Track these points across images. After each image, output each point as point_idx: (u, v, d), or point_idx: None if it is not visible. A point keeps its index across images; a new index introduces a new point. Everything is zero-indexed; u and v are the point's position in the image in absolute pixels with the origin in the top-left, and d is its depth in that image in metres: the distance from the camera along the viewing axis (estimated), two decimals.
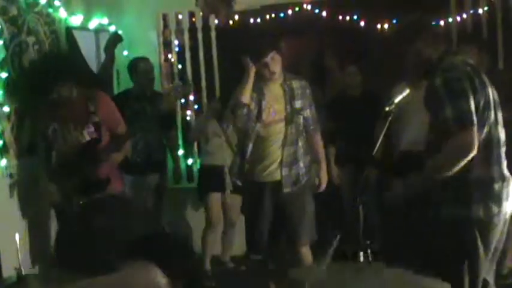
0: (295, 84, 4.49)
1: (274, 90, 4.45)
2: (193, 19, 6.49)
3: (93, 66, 6.02)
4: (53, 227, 4.97)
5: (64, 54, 5.25)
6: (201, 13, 6.44)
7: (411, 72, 3.27)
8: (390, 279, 2.57)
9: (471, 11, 6.22)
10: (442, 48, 3.18)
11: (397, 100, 3.29)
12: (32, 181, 4.89)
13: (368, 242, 2.65)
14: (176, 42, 6.54)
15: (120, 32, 6.24)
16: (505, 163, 3.14)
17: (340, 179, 6.04)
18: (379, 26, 6.36)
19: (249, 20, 6.47)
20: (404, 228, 4.59)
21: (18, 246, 2.80)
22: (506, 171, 3.13)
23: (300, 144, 4.52)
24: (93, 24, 6.01)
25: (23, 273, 2.78)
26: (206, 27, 6.45)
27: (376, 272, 2.59)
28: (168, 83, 6.55)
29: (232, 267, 6.17)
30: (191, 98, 6.50)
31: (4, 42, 4.75)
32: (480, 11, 6.21)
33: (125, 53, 6.32)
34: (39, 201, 4.93)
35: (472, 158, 2.97)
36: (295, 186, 4.49)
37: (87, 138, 4.41)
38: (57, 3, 5.40)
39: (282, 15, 6.44)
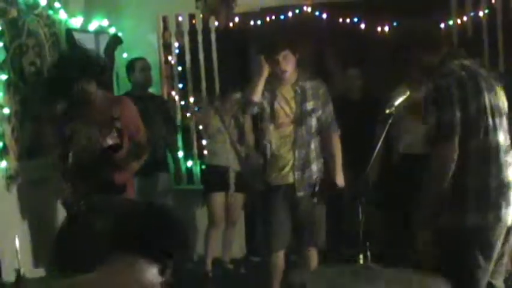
0: (308, 84, 4.48)
1: (285, 92, 4.45)
2: (193, 21, 6.50)
3: None
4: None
5: (92, 52, 5.14)
6: (201, 15, 6.44)
7: (412, 76, 3.26)
8: (391, 280, 2.56)
9: (471, 14, 6.23)
10: (443, 51, 3.17)
11: (397, 103, 3.28)
12: (33, 183, 4.89)
13: (367, 244, 2.64)
14: (176, 44, 6.54)
15: (120, 34, 6.25)
16: (507, 169, 3.07)
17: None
18: (379, 28, 6.36)
19: (249, 22, 6.48)
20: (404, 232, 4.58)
21: (18, 248, 2.80)
22: (507, 179, 3.05)
23: (313, 147, 4.51)
24: (93, 26, 6.01)
25: (22, 274, 2.78)
26: (206, 30, 6.46)
27: (376, 274, 2.59)
28: (168, 85, 6.56)
29: (232, 269, 6.17)
30: (191, 99, 6.51)
31: (4, 44, 4.75)
32: (481, 13, 6.21)
33: (125, 55, 6.32)
34: (43, 203, 4.94)
35: (467, 165, 2.96)
36: (308, 189, 4.48)
37: (109, 142, 4.35)
38: (57, 5, 5.39)
39: (282, 17, 6.44)
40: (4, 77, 4.74)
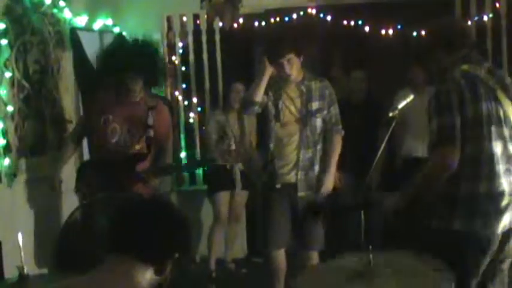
0: (314, 84, 4.48)
1: (291, 91, 4.45)
2: (198, 21, 6.50)
3: None
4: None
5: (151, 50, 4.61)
6: (205, 16, 6.44)
7: (432, 75, 3.24)
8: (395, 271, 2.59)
9: (476, 18, 6.23)
10: (455, 56, 3.13)
11: (400, 106, 3.28)
12: (36, 181, 4.90)
13: (369, 248, 2.64)
14: (180, 44, 6.55)
15: (124, 33, 6.25)
16: (501, 179, 3.01)
17: (341, 183, 6.02)
18: (383, 31, 6.36)
19: (254, 24, 6.48)
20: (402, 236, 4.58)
21: (21, 245, 2.80)
22: (501, 188, 3.01)
23: (319, 147, 4.50)
24: (97, 25, 6.02)
25: (25, 272, 2.78)
26: (210, 30, 6.46)
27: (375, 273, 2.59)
28: (171, 85, 6.56)
29: (233, 269, 6.18)
30: (194, 100, 6.51)
31: (9, 42, 4.76)
32: (485, 18, 6.22)
33: None
34: (45, 200, 4.96)
35: (460, 173, 2.95)
36: (310, 190, 4.49)
37: (137, 149, 4.31)
38: (62, 3, 5.41)
39: (286, 19, 6.45)
40: (8, 74, 4.75)
